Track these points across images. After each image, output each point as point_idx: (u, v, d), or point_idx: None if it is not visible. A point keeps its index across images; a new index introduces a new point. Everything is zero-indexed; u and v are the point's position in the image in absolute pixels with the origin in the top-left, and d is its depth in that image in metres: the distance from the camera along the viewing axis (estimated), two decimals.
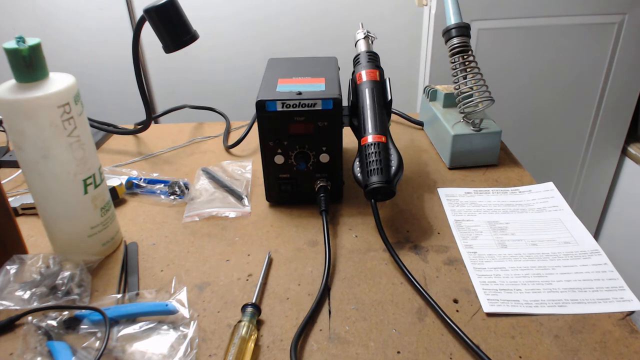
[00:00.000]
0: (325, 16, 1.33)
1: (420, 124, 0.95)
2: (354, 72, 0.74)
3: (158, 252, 0.63)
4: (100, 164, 0.59)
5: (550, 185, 0.74)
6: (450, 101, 0.86)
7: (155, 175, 0.79)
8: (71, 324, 0.50)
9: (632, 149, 1.48)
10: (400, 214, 0.70)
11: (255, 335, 0.49)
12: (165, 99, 1.42)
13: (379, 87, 0.70)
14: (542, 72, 1.37)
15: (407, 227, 0.67)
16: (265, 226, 0.68)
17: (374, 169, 0.62)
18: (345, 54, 1.14)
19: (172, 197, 0.73)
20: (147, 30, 0.76)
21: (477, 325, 0.51)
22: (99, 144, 0.92)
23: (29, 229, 0.68)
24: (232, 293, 0.56)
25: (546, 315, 0.52)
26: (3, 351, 0.49)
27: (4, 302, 0.53)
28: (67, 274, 0.55)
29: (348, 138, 0.88)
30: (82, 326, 0.50)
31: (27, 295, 0.53)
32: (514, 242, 0.63)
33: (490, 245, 0.62)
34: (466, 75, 0.79)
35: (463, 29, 0.78)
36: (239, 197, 0.73)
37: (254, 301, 0.53)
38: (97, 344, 0.48)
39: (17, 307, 0.52)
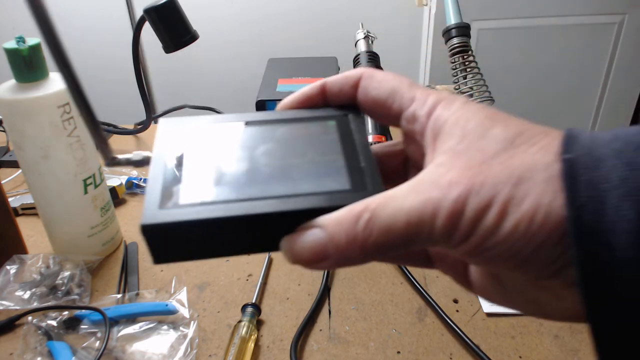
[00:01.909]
0: (325, 16, 1.33)
1: None
2: None
3: None
4: (100, 164, 0.59)
5: None
6: None
7: None
8: (71, 324, 0.50)
9: None
10: None
11: (255, 335, 0.49)
12: (165, 99, 1.42)
13: None
14: (542, 72, 1.37)
15: None
16: None
17: None
18: (345, 54, 1.14)
19: None
20: (147, 30, 0.76)
21: (477, 325, 0.51)
22: None
23: (29, 229, 0.67)
24: (232, 293, 0.56)
25: None
26: (3, 351, 0.49)
27: (4, 302, 0.52)
28: (67, 274, 0.55)
29: None
30: (82, 326, 0.50)
31: (27, 295, 0.53)
32: None
33: None
34: (466, 75, 0.79)
35: (463, 29, 0.78)
36: None
37: (254, 301, 0.53)
38: (97, 344, 0.48)
39: (17, 307, 0.52)
